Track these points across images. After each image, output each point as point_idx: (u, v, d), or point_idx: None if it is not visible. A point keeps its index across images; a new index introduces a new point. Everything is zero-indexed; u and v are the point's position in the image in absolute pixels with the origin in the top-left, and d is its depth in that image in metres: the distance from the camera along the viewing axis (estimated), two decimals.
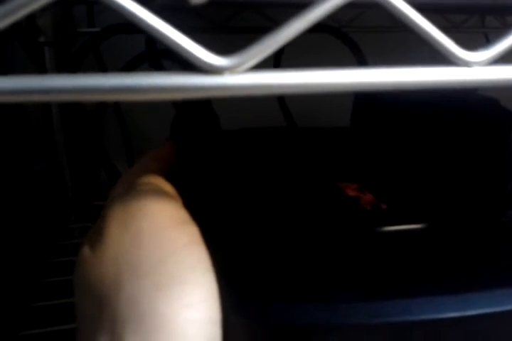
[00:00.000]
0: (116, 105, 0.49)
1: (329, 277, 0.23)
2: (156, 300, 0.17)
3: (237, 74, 0.14)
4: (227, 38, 0.43)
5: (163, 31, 0.13)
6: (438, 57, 0.15)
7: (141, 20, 0.13)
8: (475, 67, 0.15)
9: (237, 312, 0.20)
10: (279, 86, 0.14)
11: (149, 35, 0.13)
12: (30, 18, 0.45)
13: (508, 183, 0.29)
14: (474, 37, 0.52)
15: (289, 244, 0.25)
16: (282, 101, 0.51)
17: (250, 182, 0.31)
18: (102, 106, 0.42)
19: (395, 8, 0.14)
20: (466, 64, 0.15)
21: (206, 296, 0.18)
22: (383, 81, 0.15)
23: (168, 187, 0.24)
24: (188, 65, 0.14)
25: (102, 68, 0.49)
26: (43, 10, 0.13)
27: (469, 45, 0.16)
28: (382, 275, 0.24)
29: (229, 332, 0.20)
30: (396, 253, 0.26)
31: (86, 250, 0.21)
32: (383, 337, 0.21)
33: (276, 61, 0.47)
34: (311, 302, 0.20)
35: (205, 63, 0.13)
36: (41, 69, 0.46)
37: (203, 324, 0.18)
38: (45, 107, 0.48)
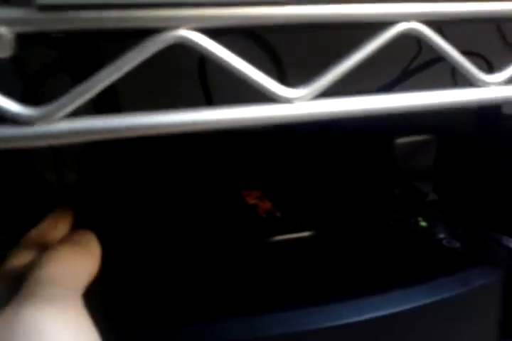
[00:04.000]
0: None
1: (212, 294, 0.23)
2: None
3: (50, 124, 0.14)
4: None
5: None
6: None
7: None
8: (296, 103, 0.16)
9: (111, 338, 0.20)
10: (96, 131, 0.14)
11: None
12: None
13: (395, 188, 0.31)
14: None
15: (180, 257, 0.26)
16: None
17: (154, 191, 0.32)
18: None
19: (203, 49, 0.15)
20: (287, 101, 0.16)
21: None
22: (206, 119, 0.15)
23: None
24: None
25: None
26: None
27: None
28: (266, 287, 0.24)
29: None
30: (286, 262, 0.26)
31: None
32: None
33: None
34: (184, 324, 0.21)
35: (14, 114, 0.14)
36: None
37: None
38: None
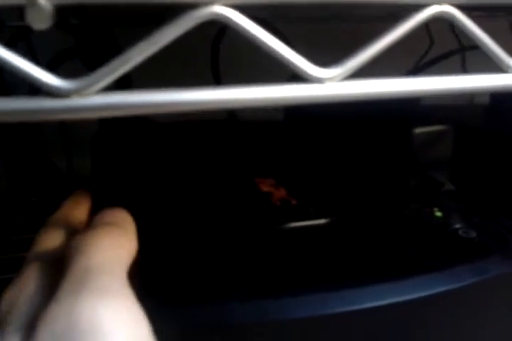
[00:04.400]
0: None
1: (227, 278, 0.23)
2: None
3: (86, 97, 0.14)
4: None
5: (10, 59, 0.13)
6: None
7: None
8: (327, 83, 0.16)
9: None
10: (130, 106, 0.15)
11: None
12: None
13: (412, 179, 0.31)
14: None
15: (196, 244, 0.26)
16: None
17: (169, 179, 0.32)
18: None
19: (238, 26, 0.15)
20: (318, 80, 0.16)
21: None
22: (239, 98, 0.16)
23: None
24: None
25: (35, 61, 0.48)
26: None
27: None
28: (281, 273, 0.24)
29: None
30: (300, 249, 0.27)
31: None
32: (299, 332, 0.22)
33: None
34: (201, 305, 0.21)
35: (51, 87, 0.14)
36: None
37: None
38: None
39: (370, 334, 0.23)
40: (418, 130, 0.30)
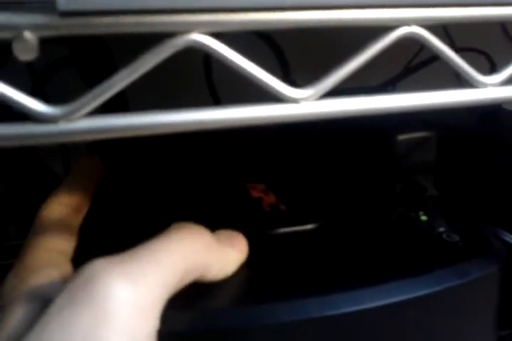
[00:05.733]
0: None
1: (215, 284, 0.24)
2: None
3: (73, 122, 0.15)
4: None
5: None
6: None
7: None
8: (303, 103, 0.17)
9: None
10: (117, 129, 0.15)
11: None
12: None
13: (397, 184, 0.31)
14: None
15: None
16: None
17: (161, 184, 0.33)
18: None
19: (215, 52, 0.16)
20: (294, 101, 0.17)
21: None
22: (217, 119, 0.16)
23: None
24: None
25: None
26: None
27: None
28: (270, 277, 0.25)
29: None
30: (288, 254, 0.27)
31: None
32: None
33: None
34: (189, 309, 0.22)
35: (39, 113, 0.15)
36: None
37: None
38: None
39: (353, 338, 0.24)
40: (401, 136, 0.31)
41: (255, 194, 0.33)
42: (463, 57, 0.19)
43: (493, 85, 0.19)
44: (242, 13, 0.15)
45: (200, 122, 0.16)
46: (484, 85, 0.19)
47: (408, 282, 0.25)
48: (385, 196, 0.32)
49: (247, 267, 0.26)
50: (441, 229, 0.29)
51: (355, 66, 0.17)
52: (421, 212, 0.31)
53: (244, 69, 0.16)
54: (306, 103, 0.17)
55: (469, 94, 0.19)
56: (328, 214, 0.31)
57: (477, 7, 0.18)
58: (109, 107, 0.16)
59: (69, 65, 0.42)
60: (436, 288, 0.25)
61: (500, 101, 0.20)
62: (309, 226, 0.29)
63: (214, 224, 0.29)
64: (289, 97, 0.17)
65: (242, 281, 0.25)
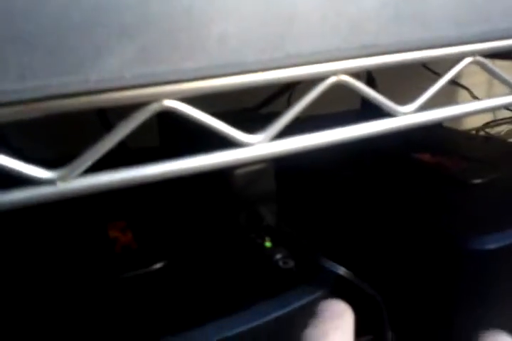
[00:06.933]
0: None
1: (67, 331, 0.25)
2: None
3: (70, 182, 0.18)
4: None
5: None
6: None
7: None
8: (256, 145, 0.20)
9: None
10: (111, 183, 0.18)
11: None
12: None
13: (241, 215, 0.34)
14: None
15: (38, 296, 0.28)
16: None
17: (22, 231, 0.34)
18: None
19: (185, 113, 0.19)
20: (248, 144, 0.20)
21: None
22: (182, 168, 0.19)
23: None
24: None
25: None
26: None
27: None
28: (122, 322, 0.26)
29: None
30: (138, 297, 0.29)
31: None
32: None
33: None
34: None
35: (37, 178, 0.17)
36: None
37: None
38: None
39: None
40: (238, 171, 0.33)
41: (113, 233, 0.34)
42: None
43: (408, 113, 0.24)
44: (208, 79, 0.18)
45: (164, 172, 0.19)
46: (401, 114, 0.24)
47: (231, 317, 0.26)
48: (231, 227, 0.34)
49: (100, 313, 0.27)
50: (279, 256, 0.30)
51: (296, 112, 0.21)
52: (267, 238, 0.32)
53: (206, 122, 0.19)
54: (259, 145, 0.20)
55: (387, 123, 0.23)
56: (176, 251, 0.32)
57: (395, 54, 0.22)
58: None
59: None
60: (255, 322, 0.26)
61: (416, 126, 0.24)
62: (157, 266, 0.31)
63: (73, 268, 0.30)
64: (244, 142, 0.20)
65: (92, 327, 0.26)
